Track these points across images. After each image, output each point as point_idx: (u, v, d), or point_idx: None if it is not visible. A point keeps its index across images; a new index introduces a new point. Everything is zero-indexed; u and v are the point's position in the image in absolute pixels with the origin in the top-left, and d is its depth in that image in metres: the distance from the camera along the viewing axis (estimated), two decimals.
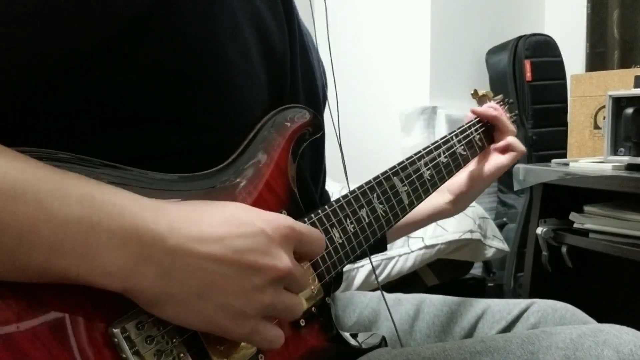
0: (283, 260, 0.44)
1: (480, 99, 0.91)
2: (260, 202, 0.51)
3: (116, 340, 0.40)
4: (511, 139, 0.83)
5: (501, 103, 0.91)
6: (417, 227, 0.87)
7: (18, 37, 0.39)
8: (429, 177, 0.69)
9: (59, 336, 0.38)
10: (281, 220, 0.46)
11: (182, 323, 0.42)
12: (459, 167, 0.76)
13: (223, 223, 0.43)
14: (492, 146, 0.85)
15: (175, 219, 0.41)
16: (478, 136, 0.82)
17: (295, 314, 0.47)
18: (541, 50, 2.15)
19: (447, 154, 0.74)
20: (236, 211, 0.45)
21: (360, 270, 1.54)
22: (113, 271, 0.38)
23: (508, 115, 0.91)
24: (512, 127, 0.84)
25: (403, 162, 0.67)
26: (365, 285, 1.53)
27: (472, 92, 0.91)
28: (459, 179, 0.85)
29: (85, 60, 0.43)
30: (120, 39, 0.43)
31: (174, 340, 0.43)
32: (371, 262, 0.72)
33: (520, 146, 0.83)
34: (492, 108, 0.85)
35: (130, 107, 0.46)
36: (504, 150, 0.84)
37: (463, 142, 0.78)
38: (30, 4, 0.39)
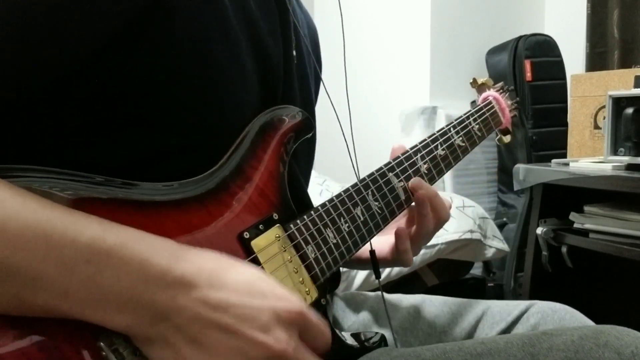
0: (281, 341, 0.43)
1: (480, 88, 0.90)
2: (250, 206, 0.51)
3: (104, 353, 0.40)
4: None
5: (501, 91, 0.90)
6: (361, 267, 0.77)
7: (10, 43, 0.39)
8: (426, 171, 0.68)
9: (46, 351, 0.38)
10: (294, 303, 0.45)
11: None
12: (457, 159, 0.75)
13: (234, 288, 0.43)
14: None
15: (188, 270, 0.41)
16: (477, 126, 0.80)
17: None
18: (541, 50, 2.14)
19: (444, 146, 0.72)
20: (253, 278, 0.45)
21: (360, 270, 1.54)
22: (115, 313, 0.39)
23: (509, 102, 0.90)
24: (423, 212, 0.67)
25: (399, 157, 0.66)
26: (365, 286, 1.53)
27: (471, 80, 0.90)
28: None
29: (81, 62, 0.43)
30: (117, 39, 0.43)
31: None
32: (379, 283, 0.70)
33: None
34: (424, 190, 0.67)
35: (122, 110, 0.46)
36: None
37: (461, 133, 0.76)
38: (22, 9, 0.39)
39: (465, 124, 0.78)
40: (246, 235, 0.50)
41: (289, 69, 0.58)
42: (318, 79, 0.72)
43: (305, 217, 0.54)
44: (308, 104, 0.59)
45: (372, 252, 0.67)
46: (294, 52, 0.59)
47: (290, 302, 0.45)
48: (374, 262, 0.68)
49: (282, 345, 0.43)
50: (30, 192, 0.38)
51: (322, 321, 0.48)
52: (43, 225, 0.37)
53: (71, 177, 0.42)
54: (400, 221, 0.71)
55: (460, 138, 0.76)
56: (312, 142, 0.65)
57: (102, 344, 0.40)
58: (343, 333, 0.59)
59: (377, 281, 1.60)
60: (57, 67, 0.42)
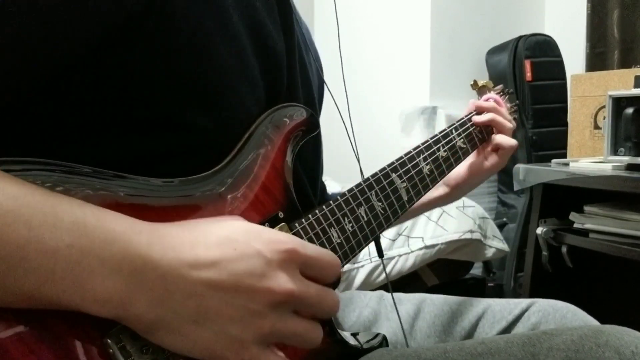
0: (281, 282, 0.42)
1: (480, 90, 0.90)
2: (256, 205, 0.51)
3: (111, 350, 0.40)
4: (499, 138, 0.81)
5: (501, 93, 0.90)
6: (411, 216, 0.88)
7: (8, 42, 0.39)
8: (428, 172, 0.68)
9: (53, 347, 0.38)
10: (282, 241, 0.44)
11: (178, 351, 0.41)
12: (458, 161, 0.75)
13: (218, 245, 0.42)
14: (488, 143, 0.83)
15: (169, 242, 0.41)
16: (478, 128, 0.81)
17: (309, 340, 0.45)
18: (541, 50, 2.15)
19: (446, 147, 0.73)
20: (233, 231, 0.44)
21: (360, 270, 1.54)
22: (105, 298, 0.38)
23: (508, 105, 0.90)
24: (509, 125, 0.82)
25: (402, 157, 0.66)
26: (366, 285, 1.53)
27: (472, 82, 0.90)
28: (455, 173, 0.84)
29: (78, 60, 0.43)
30: (114, 38, 0.43)
31: None
32: (383, 263, 0.71)
33: (508, 142, 0.80)
34: (487, 110, 0.83)
35: (124, 109, 0.46)
36: (495, 149, 0.82)
37: (462, 135, 0.77)
38: (20, 7, 0.38)
39: (466, 125, 0.78)
40: None
41: (292, 66, 0.58)
42: (321, 79, 0.72)
43: (310, 216, 0.54)
44: (311, 102, 0.59)
45: (377, 239, 0.67)
46: (296, 45, 0.59)
47: (279, 242, 0.44)
48: (378, 246, 0.69)
49: (286, 286, 0.42)
50: (10, 177, 0.38)
51: (323, 250, 0.47)
52: (23, 211, 0.36)
53: (63, 169, 0.41)
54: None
55: (462, 140, 0.76)
56: (318, 140, 0.65)
57: (109, 341, 0.40)
58: (345, 333, 0.59)
59: (377, 280, 1.59)
60: (55, 67, 0.42)
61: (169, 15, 0.45)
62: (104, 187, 0.42)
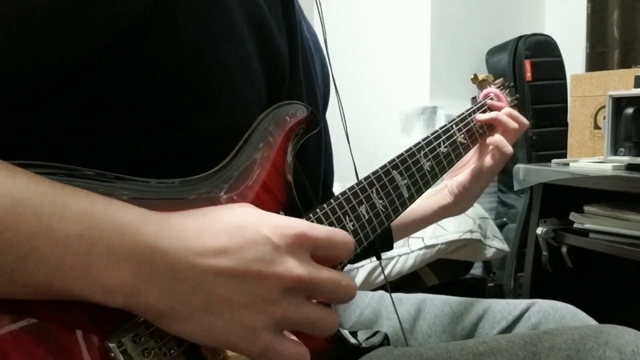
0: (290, 268, 0.41)
1: (480, 84, 0.90)
2: (257, 204, 0.50)
3: (112, 354, 0.39)
4: (497, 140, 0.80)
5: (501, 87, 0.90)
6: (423, 226, 0.88)
7: (12, 45, 0.39)
8: (429, 169, 0.68)
9: (54, 351, 0.37)
10: (290, 226, 0.43)
11: (192, 339, 0.41)
12: (459, 156, 0.75)
13: (225, 232, 0.41)
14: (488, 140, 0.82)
15: (177, 231, 0.40)
16: (479, 123, 0.80)
17: (323, 328, 0.44)
18: (541, 50, 2.15)
19: (447, 143, 0.72)
20: (242, 218, 0.43)
21: (361, 270, 1.54)
22: (115, 288, 0.38)
23: (508, 99, 0.90)
24: (512, 124, 0.81)
25: (402, 154, 0.66)
26: (366, 285, 1.53)
27: (472, 76, 0.90)
28: (457, 180, 0.84)
29: (84, 62, 0.43)
30: (120, 41, 0.43)
31: (172, 351, 0.42)
32: (380, 263, 0.71)
33: (505, 147, 0.79)
34: (491, 108, 0.83)
35: (127, 111, 0.46)
36: (492, 150, 0.81)
37: (463, 130, 0.76)
38: (23, 10, 0.38)
39: (467, 120, 0.78)
40: None
41: (295, 66, 0.58)
42: (327, 87, 0.72)
43: (311, 215, 0.54)
44: (314, 107, 0.59)
45: (373, 242, 0.67)
46: (299, 49, 0.58)
47: (287, 227, 0.43)
48: (376, 250, 0.70)
49: (295, 272, 0.41)
50: (19, 168, 0.38)
51: (334, 229, 0.46)
52: (33, 200, 0.36)
53: (64, 172, 0.41)
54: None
55: (462, 135, 0.76)
56: (319, 140, 0.65)
57: (110, 344, 0.39)
58: (345, 331, 0.59)
59: (377, 280, 1.59)
60: (61, 70, 0.42)
61: (175, 18, 0.45)
62: (106, 190, 0.42)
